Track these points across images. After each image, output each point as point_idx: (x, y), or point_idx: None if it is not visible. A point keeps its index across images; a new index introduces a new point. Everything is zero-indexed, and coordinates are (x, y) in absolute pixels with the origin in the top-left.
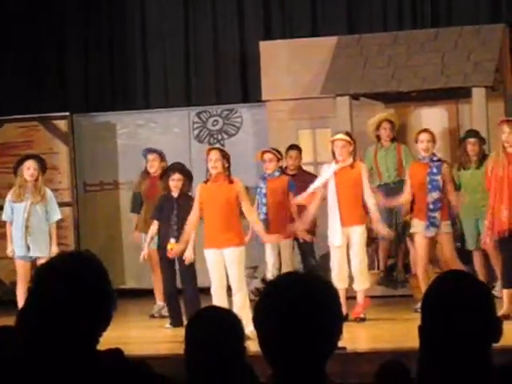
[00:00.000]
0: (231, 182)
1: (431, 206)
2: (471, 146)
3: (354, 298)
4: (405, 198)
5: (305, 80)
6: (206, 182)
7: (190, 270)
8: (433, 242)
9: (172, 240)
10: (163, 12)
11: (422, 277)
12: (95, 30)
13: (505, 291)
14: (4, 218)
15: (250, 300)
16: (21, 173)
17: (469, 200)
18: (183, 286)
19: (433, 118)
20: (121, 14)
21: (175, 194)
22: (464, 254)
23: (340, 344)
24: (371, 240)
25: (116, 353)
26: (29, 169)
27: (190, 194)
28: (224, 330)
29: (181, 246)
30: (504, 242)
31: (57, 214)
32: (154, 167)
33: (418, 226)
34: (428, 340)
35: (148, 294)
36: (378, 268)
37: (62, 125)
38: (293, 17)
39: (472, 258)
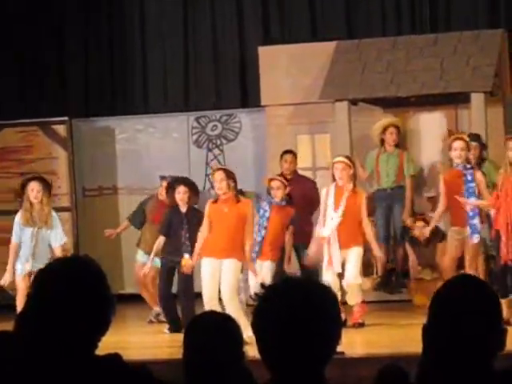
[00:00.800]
0: (239, 201)
1: (471, 214)
2: (472, 150)
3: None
4: (441, 209)
5: (304, 85)
6: (215, 201)
7: (187, 277)
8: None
9: (186, 255)
10: (163, 18)
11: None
12: (94, 35)
13: (502, 300)
14: (14, 239)
15: (249, 305)
16: (26, 197)
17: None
18: (179, 293)
19: (432, 123)
20: (121, 20)
21: (183, 208)
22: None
23: (338, 349)
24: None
25: (115, 357)
26: (32, 191)
27: (196, 206)
28: (222, 334)
29: (193, 263)
30: None
31: (61, 238)
32: (164, 195)
33: (454, 234)
34: (432, 341)
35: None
36: (376, 273)
37: (61, 130)
38: (292, 20)
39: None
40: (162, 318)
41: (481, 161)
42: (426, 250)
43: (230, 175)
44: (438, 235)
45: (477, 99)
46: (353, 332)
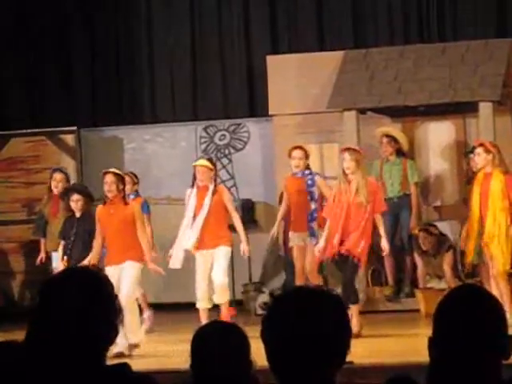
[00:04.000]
0: (126, 203)
1: (309, 217)
2: (472, 162)
3: (362, 312)
4: (282, 211)
5: (312, 94)
6: (104, 204)
7: None
8: None
9: (65, 257)
10: (170, 27)
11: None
12: (102, 45)
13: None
14: None
15: (258, 314)
16: None
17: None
18: None
19: (440, 132)
20: (128, 29)
21: (78, 214)
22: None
23: (347, 358)
24: (380, 256)
25: (123, 367)
26: None
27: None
28: (229, 343)
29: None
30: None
31: None
32: (59, 188)
33: (295, 239)
34: (437, 352)
35: (153, 307)
36: (387, 283)
37: (70, 139)
38: (299, 30)
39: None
40: None
41: None
42: (433, 259)
43: (119, 178)
44: (445, 244)
45: (485, 108)
46: (362, 341)
